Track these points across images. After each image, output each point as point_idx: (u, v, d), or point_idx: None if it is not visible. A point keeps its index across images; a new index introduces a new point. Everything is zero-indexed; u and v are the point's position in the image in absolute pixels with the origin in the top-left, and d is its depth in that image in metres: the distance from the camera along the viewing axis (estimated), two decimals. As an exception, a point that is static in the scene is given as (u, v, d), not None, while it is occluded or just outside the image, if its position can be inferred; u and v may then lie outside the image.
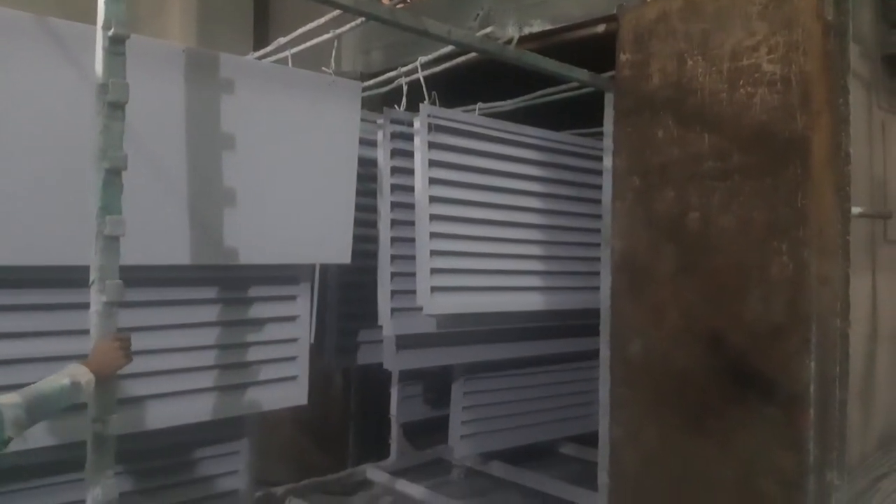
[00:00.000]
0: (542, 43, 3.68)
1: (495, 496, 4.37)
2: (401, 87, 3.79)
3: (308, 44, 3.38)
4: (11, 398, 1.60)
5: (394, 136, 3.72)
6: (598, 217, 3.31)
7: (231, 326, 2.74)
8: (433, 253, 3.46)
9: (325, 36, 3.36)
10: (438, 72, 3.67)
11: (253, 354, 2.80)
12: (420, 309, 3.46)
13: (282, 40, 3.45)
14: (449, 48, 3.36)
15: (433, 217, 3.48)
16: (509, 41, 2.96)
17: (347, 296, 4.10)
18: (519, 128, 3.91)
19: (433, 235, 3.47)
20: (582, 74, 3.07)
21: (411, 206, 3.55)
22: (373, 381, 4.60)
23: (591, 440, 3.90)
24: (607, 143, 3.15)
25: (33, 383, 1.71)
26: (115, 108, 1.91)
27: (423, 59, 3.57)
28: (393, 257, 3.69)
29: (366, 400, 4.83)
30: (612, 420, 3.01)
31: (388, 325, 3.66)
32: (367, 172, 3.66)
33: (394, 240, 3.70)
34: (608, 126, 3.15)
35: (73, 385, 1.74)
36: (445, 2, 4.19)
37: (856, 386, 2.78)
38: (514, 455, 4.53)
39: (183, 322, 2.61)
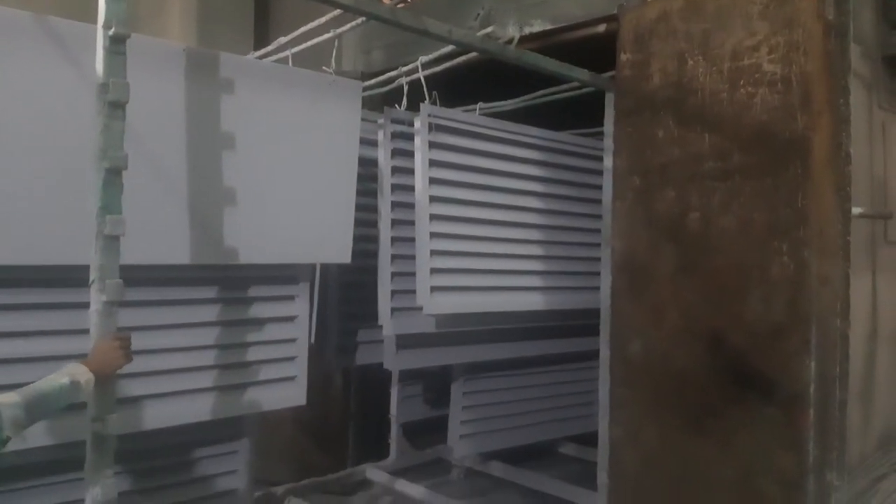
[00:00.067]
0: (543, 43, 3.68)
1: (495, 496, 4.37)
2: (401, 86, 3.79)
3: (308, 43, 3.38)
4: (10, 398, 1.60)
5: (394, 135, 3.72)
6: (599, 217, 3.31)
7: (230, 326, 2.74)
8: (433, 253, 3.46)
9: (326, 35, 3.36)
10: (439, 71, 3.67)
11: (252, 354, 2.80)
12: (420, 308, 3.46)
13: (282, 40, 3.44)
14: (449, 48, 3.35)
15: (433, 217, 3.48)
16: (510, 41, 2.96)
17: (348, 295, 4.10)
18: (519, 128, 3.90)
19: (433, 235, 3.47)
20: (582, 74, 3.07)
21: (412, 206, 3.55)
22: (373, 380, 4.60)
23: (590, 440, 3.90)
24: (608, 142, 3.15)
25: (32, 382, 1.71)
26: (115, 107, 1.91)
27: (423, 58, 3.57)
28: (393, 257, 3.69)
29: (365, 400, 4.83)
30: (611, 420, 3.01)
31: (389, 325, 3.66)
32: (367, 172, 3.66)
33: (394, 239, 3.70)
34: (608, 126, 3.15)
35: (72, 384, 1.74)
36: (446, 1, 4.18)
37: (856, 386, 2.77)
38: (514, 455, 4.53)
39: (181, 322, 2.61)
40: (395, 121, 3.72)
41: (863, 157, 2.93)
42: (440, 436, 4.44)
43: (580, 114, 4.22)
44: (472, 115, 3.89)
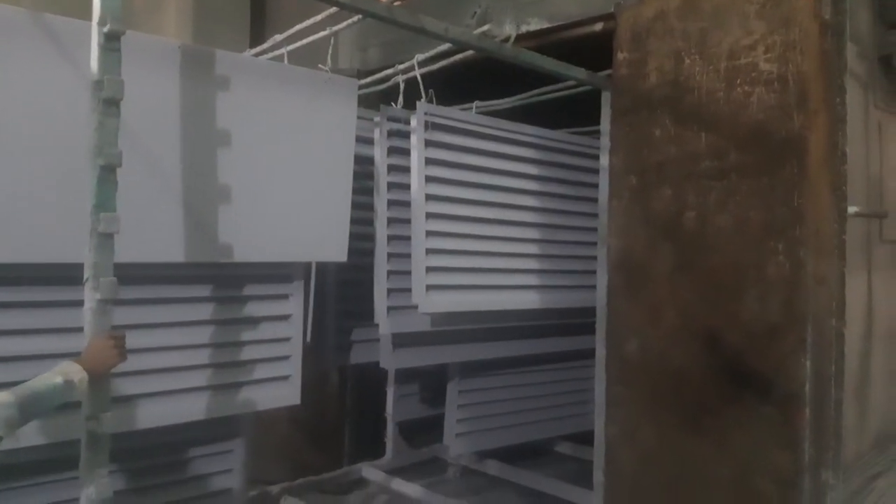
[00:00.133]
0: (540, 41, 3.67)
1: (491, 495, 4.37)
2: (398, 84, 3.77)
3: (305, 41, 3.37)
4: (4, 397, 1.58)
5: (391, 133, 3.72)
6: (595, 216, 3.31)
7: (224, 325, 2.73)
8: (429, 251, 3.46)
9: (322, 33, 3.34)
10: (435, 69, 3.66)
11: (246, 353, 2.79)
12: (416, 307, 3.45)
13: (278, 37, 3.43)
14: (446, 46, 3.35)
15: (429, 215, 3.47)
16: (506, 39, 2.94)
17: (344, 294, 4.09)
18: (516, 126, 3.90)
19: (429, 234, 3.46)
20: (579, 73, 3.07)
21: (408, 204, 3.55)
22: (368, 379, 4.59)
23: (586, 439, 3.90)
24: (604, 141, 3.14)
25: (26, 381, 1.69)
26: (110, 104, 1.90)
27: (420, 56, 3.56)
28: (390, 255, 3.69)
29: (362, 398, 4.82)
30: (607, 419, 3.01)
31: (385, 324, 3.66)
32: (363, 170, 3.66)
33: (390, 238, 3.69)
34: (605, 124, 3.15)
35: (65, 383, 1.73)
36: (442, -1, 4.18)
37: (851, 385, 2.78)
38: (510, 453, 4.53)
39: (175, 320, 2.60)
40: (391, 119, 3.71)
41: (859, 157, 2.94)
42: (436, 434, 4.44)
43: (577, 112, 4.22)
44: (468, 114, 3.88)
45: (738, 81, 2.61)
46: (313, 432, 4.62)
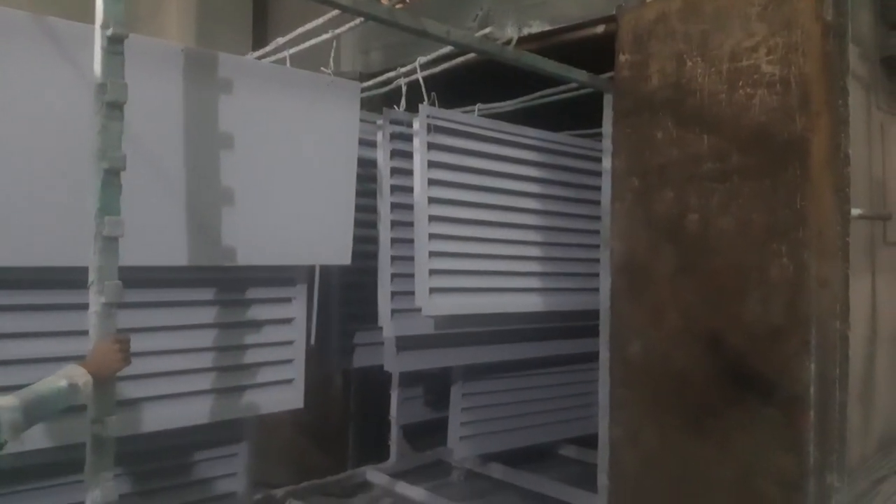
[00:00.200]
0: (542, 44, 3.68)
1: (495, 498, 4.36)
2: (400, 87, 3.78)
3: (307, 44, 3.37)
4: (8, 401, 1.59)
5: (393, 136, 3.72)
6: (598, 218, 3.31)
7: (227, 328, 2.73)
8: (432, 254, 3.46)
9: (324, 36, 3.35)
10: (438, 72, 3.67)
11: (249, 357, 2.79)
12: (420, 310, 3.45)
13: (280, 40, 3.44)
14: (448, 49, 3.35)
15: (432, 218, 3.47)
16: (508, 42, 2.95)
17: (348, 296, 4.10)
18: (518, 129, 3.90)
19: (432, 236, 3.47)
20: (581, 75, 3.07)
21: (411, 207, 3.55)
22: (372, 382, 4.59)
23: (590, 442, 3.90)
24: (606, 144, 3.14)
25: (31, 384, 1.70)
26: (113, 108, 1.91)
27: (422, 59, 3.57)
28: (393, 258, 3.69)
29: (365, 401, 4.82)
30: (611, 421, 3.00)
31: (389, 327, 3.66)
32: (366, 173, 3.66)
33: (394, 241, 3.69)
34: (607, 127, 3.15)
35: (70, 387, 1.73)
36: (444, 2, 4.18)
37: (856, 388, 2.77)
38: (514, 457, 4.52)
39: (179, 324, 2.60)
40: (393, 122, 3.72)
41: (861, 159, 2.93)
42: (440, 438, 4.43)
43: (579, 115, 4.22)
44: (470, 116, 3.89)
45: (740, 83, 2.61)
46: (317, 435, 4.63)
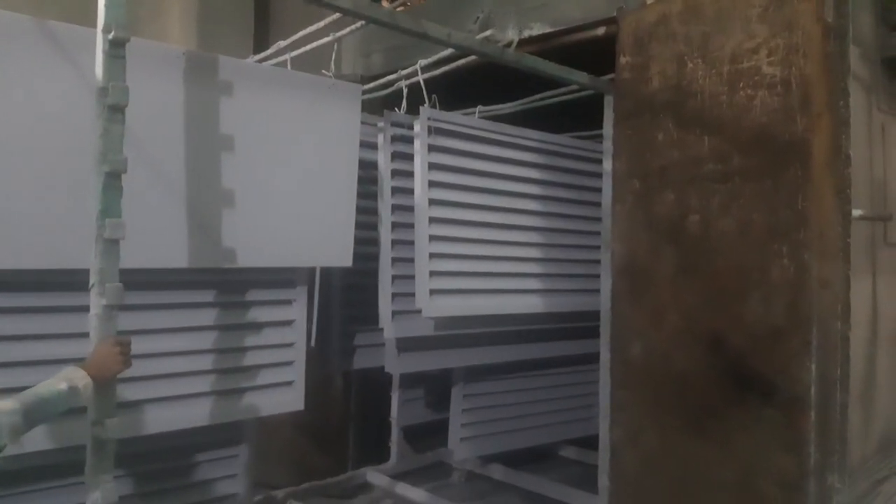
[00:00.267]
0: (542, 46, 3.68)
1: (495, 499, 4.36)
2: (401, 89, 3.79)
3: (308, 47, 3.38)
4: (8, 404, 1.59)
5: (394, 138, 3.73)
6: (598, 220, 3.31)
7: (228, 330, 2.73)
8: (432, 255, 3.46)
9: (326, 39, 3.36)
10: (438, 75, 3.68)
11: (249, 359, 2.79)
12: (421, 311, 3.46)
13: (282, 43, 3.44)
14: (449, 51, 3.36)
15: (432, 220, 3.48)
16: (509, 44, 2.96)
17: (349, 298, 4.10)
18: (519, 131, 3.91)
19: (432, 238, 3.47)
20: (582, 77, 3.07)
21: (412, 209, 3.55)
22: (373, 384, 4.59)
23: (591, 443, 3.90)
24: (607, 145, 3.15)
25: (32, 386, 1.70)
26: (115, 111, 1.91)
27: (423, 62, 3.58)
28: (394, 260, 3.69)
29: (366, 403, 4.82)
30: (612, 422, 3.00)
31: (390, 328, 3.66)
32: (367, 175, 3.66)
33: (395, 242, 3.70)
34: (608, 129, 3.15)
35: (70, 389, 1.73)
36: (445, 5, 4.19)
37: (856, 389, 2.77)
38: (514, 458, 4.52)
39: (180, 326, 2.60)
40: (394, 124, 3.72)
41: (862, 160, 2.93)
42: (441, 439, 4.44)
43: (579, 116, 4.23)
44: (471, 119, 3.89)
45: (741, 85, 2.61)
46: (318, 437, 4.63)
